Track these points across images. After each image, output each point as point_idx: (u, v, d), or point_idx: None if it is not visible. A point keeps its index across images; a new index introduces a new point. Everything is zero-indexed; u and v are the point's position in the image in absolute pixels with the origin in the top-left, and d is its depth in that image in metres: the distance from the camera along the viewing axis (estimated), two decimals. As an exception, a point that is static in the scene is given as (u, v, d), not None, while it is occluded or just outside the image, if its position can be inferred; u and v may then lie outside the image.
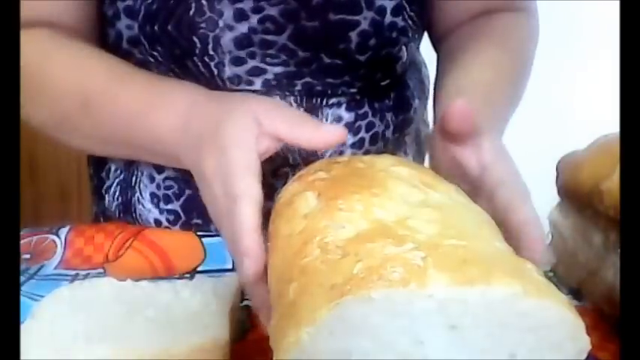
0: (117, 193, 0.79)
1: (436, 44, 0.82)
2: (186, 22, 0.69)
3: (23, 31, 0.64)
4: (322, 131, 0.55)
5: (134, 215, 0.77)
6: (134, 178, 0.77)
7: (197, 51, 0.70)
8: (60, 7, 0.73)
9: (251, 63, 0.71)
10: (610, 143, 0.61)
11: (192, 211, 0.75)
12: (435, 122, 0.68)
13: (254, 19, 0.70)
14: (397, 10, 0.72)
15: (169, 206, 0.75)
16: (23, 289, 0.65)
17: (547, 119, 1.56)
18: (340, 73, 0.73)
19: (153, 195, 0.76)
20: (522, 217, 0.49)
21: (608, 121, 0.70)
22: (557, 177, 0.68)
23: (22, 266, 0.68)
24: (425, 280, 0.38)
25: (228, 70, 0.71)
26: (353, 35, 0.71)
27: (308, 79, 0.72)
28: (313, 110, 0.73)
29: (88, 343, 0.53)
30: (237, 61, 0.71)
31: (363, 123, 0.75)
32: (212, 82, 0.71)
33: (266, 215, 0.51)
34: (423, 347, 0.39)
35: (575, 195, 0.64)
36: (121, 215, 0.79)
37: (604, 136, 0.64)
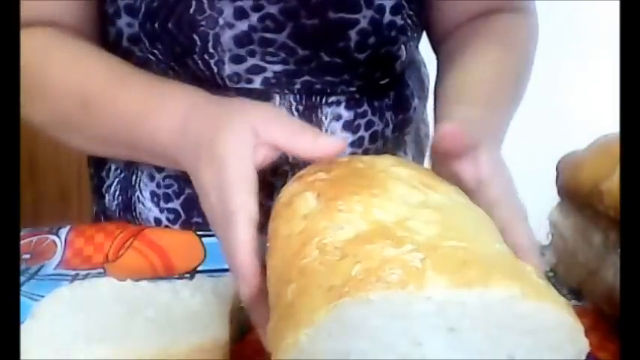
0: (117, 192, 0.79)
1: (435, 46, 0.82)
2: (187, 20, 0.69)
3: (24, 30, 0.64)
4: (320, 141, 0.54)
5: (134, 214, 0.77)
6: (134, 177, 0.77)
7: (197, 49, 0.70)
8: (61, 6, 0.73)
9: (251, 61, 0.71)
10: (610, 143, 0.61)
11: (193, 209, 0.75)
12: (435, 122, 0.68)
13: (254, 17, 0.70)
14: (396, 9, 0.72)
15: (169, 205, 0.75)
16: (23, 289, 0.65)
17: (547, 119, 1.55)
18: (339, 71, 0.73)
19: (153, 194, 0.76)
20: (518, 241, 0.49)
21: (608, 121, 0.70)
22: (557, 177, 0.68)
23: (22, 266, 0.68)
24: (423, 282, 0.38)
25: (228, 68, 0.71)
26: (352, 34, 0.71)
27: (307, 78, 0.72)
28: (312, 109, 0.73)
29: (88, 343, 0.53)
30: (237, 59, 0.71)
31: (363, 122, 0.75)
32: (212, 80, 0.71)
33: (266, 215, 0.51)
34: (421, 349, 0.39)
35: (575, 195, 0.64)
36: (121, 214, 0.79)
37: (604, 136, 0.64)
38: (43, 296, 0.59)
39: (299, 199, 0.47)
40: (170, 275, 0.67)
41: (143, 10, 0.70)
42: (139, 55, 0.72)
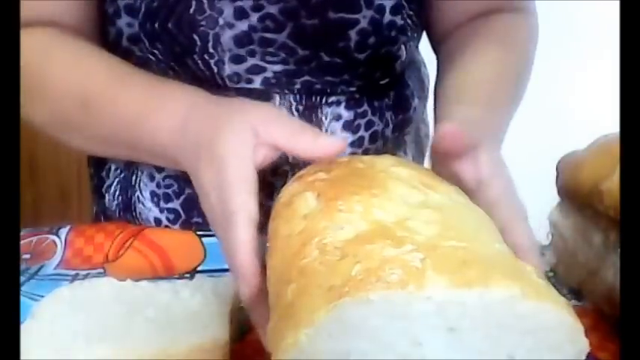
0: (117, 192, 0.79)
1: (435, 46, 0.82)
2: (187, 20, 0.69)
3: (24, 30, 0.64)
4: (321, 141, 0.54)
5: (134, 214, 0.77)
6: (134, 177, 0.77)
7: (197, 49, 0.70)
8: (61, 7, 0.73)
9: (251, 61, 0.71)
10: (610, 143, 0.61)
11: (193, 209, 0.75)
12: (435, 122, 0.68)
13: (254, 17, 0.70)
14: (396, 9, 0.72)
15: (169, 205, 0.75)
16: (23, 289, 0.65)
17: (547, 119, 1.55)
18: (339, 71, 0.73)
19: (153, 194, 0.76)
20: (518, 241, 0.49)
21: (608, 121, 0.70)
22: (557, 177, 0.68)
23: (22, 266, 0.68)
24: (423, 282, 0.38)
25: (228, 68, 0.71)
26: (352, 34, 0.71)
27: (307, 78, 0.72)
28: (312, 109, 0.73)
29: (88, 343, 0.53)
30: (237, 59, 0.71)
31: (363, 122, 0.75)
32: (212, 80, 0.71)
33: (266, 214, 0.51)
34: (421, 349, 0.39)
35: (575, 195, 0.64)
36: (122, 214, 0.79)
37: (604, 136, 0.64)
38: (43, 296, 0.59)
39: (299, 199, 0.47)
40: (170, 275, 0.67)
41: (143, 10, 0.70)
42: (138, 55, 0.72)
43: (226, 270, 0.67)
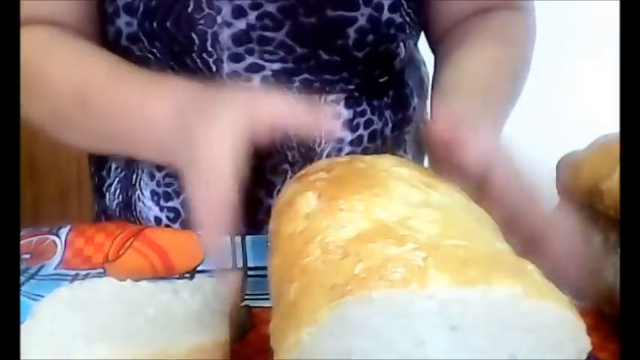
0: (117, 192, 0.79)
1: (433, 46, 0.82)
2: (185, 19, 0.70)
3: (23, 28, 0.64)
4: (320, 116, 0.55)
5: (134, 213, 0.77)
6: (135, 176, 0.77)
7: (195, 47, 0.70)
8: (61, 6, 0.73)
9: (249, 59, 0.71)
10: (610, 143, 0.61)
11: (192, 208, 0.75)
12: (430, 117, 0.68)
13: (252, 16, 0.70)
14: (394, 7, 0.72)
15: (169, 204, 0.75)
16: (23, 289, 0.65)
17: (547, 119, 1.55)
18: (338, 69, 0.73)
19: (153, 192, 0.76)
20: (535, 225, 0.49)
21: (608, 121, 0.70)
22: (557, 177, 0.68)
23: (22, 266, 0.68)
24: (426, 280, 0.38)
25: (227, 67, 0.71)
26: (350, 31, 0.71)
27: (306, 76, 0.72)
28: (312, 107, 0.73)
29: (87, 343, 0.53)
30: (236, 58, 0.71)
31: (362, 120, 0.75)
32: (210, 78, 0.71)
33: (266, 213, 0.51)
34: (423, 347, 0.39)
35: (575, 195, 0.64)
36: (122, 213, 0.79)
37: (604, 136, 0.64)
38: (43, 296, 0.59)
39: (300, 198, 0.47)
40: (170, 275, 0.67)
41: (142, 9, 0.70)
42: (137, 54, 0.72)
43: (226, 270, 0.68)
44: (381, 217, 0.43)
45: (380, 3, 0.72)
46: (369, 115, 0.76)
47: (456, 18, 0.79)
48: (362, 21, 0.71)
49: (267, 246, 0.51)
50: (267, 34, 0.70)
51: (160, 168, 0.75)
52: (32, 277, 0.67)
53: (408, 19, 0.75)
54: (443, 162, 0.55)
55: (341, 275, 0.39)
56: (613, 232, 0.60)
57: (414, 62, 0.82)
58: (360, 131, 0.75)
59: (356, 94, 0.75)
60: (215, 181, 0.51)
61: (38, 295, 0.62)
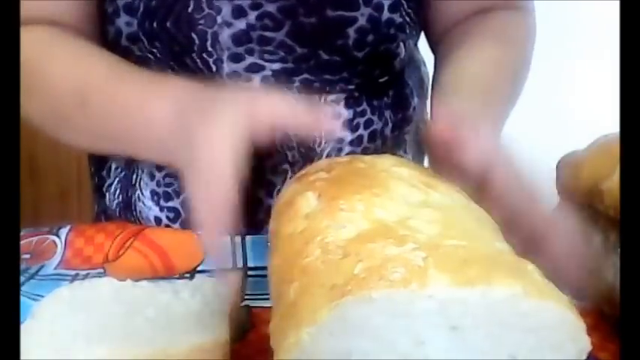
0: (117, 192, 0.79)
1: (433, 46, 0.82)
2: (185, 19, 0.70)
3: (23, 28, 0.64)
4: (320, 115, 0.54)
5: (135, 213, 0.77)
6: (135, 176, 0.77)
7: (195, 47, 0.70)
8: (61, 6, 0.73)
9: (249, 59, 0.71)
10: (610, 143, 0.61)
11: (193, 208, 0.75)
12: (430, 117, 0.68)
13: (252, 16, 0.70)
14: (394, 7, 0.72)
15: (169, 204, 0.75)
16: (23, 289, 0.65)
17: (547, 119, 1.55)
18: (338, 69, 0.73)
19: (153, 192, 0.76)
20: (535, 225, 0.49)
21: (608, 121, 0.70)
22: (557, 177, 0.68)
23: (22, 266, 0.68)
24: (426, 280, 0.38)
25: (227, 67, 0.71)
26: (351, 31, 0.71)
27: (306, 76, 0.72)
28: (312, 107, 0.73)
29: (88, 343, 0.53)
30: (236, 58, 0.71)
31: (362, 120, 0.75)
32: (210, 78, 0.71)
33: (266, 213, 0.51)
34: (423, 348, 0.39)
35: (575, 195, 0.64)
36: (122, 213, 0.79)
37: (604, 136, 0.64)
38: (43, 296, 0.59)
39: (300, 198, 0.47)
40: (170, 275, 0.67)
41: (142, 9, 0.70)
42: (138, 54, 0.72)
43: (226, 270, 0.68)
44: (381, 217, 0.43)
45: (380, 3, 0.72)
46: (369, 115, 0.76)
47: (456, 18, 0.79)
48: (362, 21, 0.71)
49: (267, 246, 0.51)
50: (267, 34, 0.71)
51: (159, 168, 0.75)
52: (32, 277, 0.67)
53: (408, 19, 0.75)
54: (443, 162, 0.55)
55: (341, 275, 0.39)
56: (613, 232, 0.60)
57: (414, 62, 0.82)
58: (360, 131, 0.75)
59: (356, 94, 0.75)
60: (215, 181, 0.51)
61: (38, 295, 0.62)
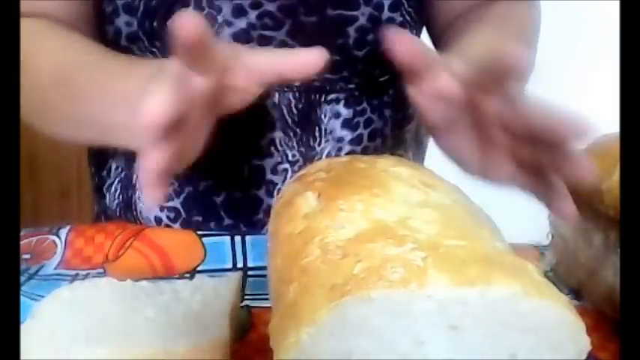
0: (118, 192, 0.79)
1: (436, 42, 0.82)
2: None
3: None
4: (301, 55, 0.53)
5: (135, 213, 0.77)
6: (135, 176, 0.77)
7: None
8: (52, 5, 0.72)
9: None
10: (610, 143, 0.61)
11: (193, 208, 0.75)
12: None
13: (252, 15, 0.70)
14: (395, 6, 0.72)
15: (170, 204, 0.75)
16: (23, 289, 0.65)
17: (547, 119, 1.55)
18: (338, 68, 0.73)
19: (153, 193, 0.76)
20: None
21: (608, 121, 0.70)
22: (557, 177, 0.68)
23: (22, 266, 0.68)
24: (425, 280, 0.38)
25: None
26: (351, 31, 0.71)
27: None
28: (311, 106, 0.73)
29: (88, 344, 0.53)
30: None
31: (362, 119, 0.75)
32: None
33: (266, 213, 0.51)
34: (423, 347, 0.39)
35: (575, 195, 0.64)
36: (122, 213, 0.79)
37: (604, 136, 0.64)
38: (43, 296, 0.59)
39: (300, 198, 0.47)
40: (170, 275, 0.67)
41: (142, 8, 0.70)
42: (137, 54, 0.72)
43: (226, 270, 0.68)
44: (380, 217, 0.43)
45: (380, 2, 0.72)
46: (368, 114, 0.76)
47: (459, 10, 0.78)
48: (362, 20, 0.71)
49: (267, 246, 0.51)
50: (268, 33, 0.71)
51: (159, 168, 0.75)
52: (32, 277, 0.67)
53: (408, 18, 0.75)
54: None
55: (340, 275, 0.39)
56: (613, 232, 0.60)
57: (414, 61, 0.82)
58: (360, 130, 0.75)
59: (356, 93, 0.75)
60: (144, 150, 0.46)
61: (38, 295, 0.62)
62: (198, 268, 0.68)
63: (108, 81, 0.62)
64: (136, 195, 0.77)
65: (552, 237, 0.69)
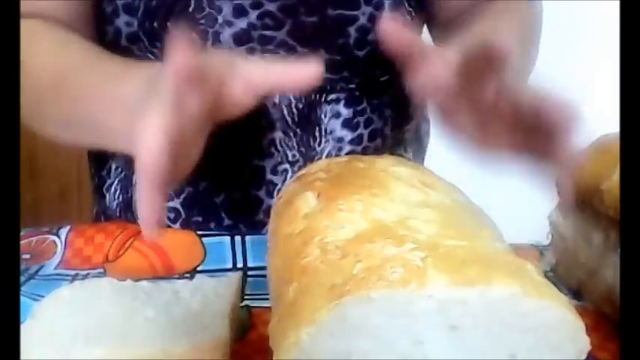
0: (117, 192, 0.79)
1: (436, 41, 0.81)
2: (186, 19, 0.69)
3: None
4: (296, 67, 0.52)
5: (135, 213, 0.77)
6: (135, 176, 0.77)
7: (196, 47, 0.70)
8: (52, 5, 0.72)
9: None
10: (610, 143, 0.61)
11: (193, 208, 0.75)
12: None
13: (253, 15, 0.70)
14: (395, 6, 0.72)
15: (170, 204, 0.75)
16: (23, 289, 0.65)
17: (547, 119, 1.55)
18: (339, 68, 0.73)
19: (153, 193, 0.75)
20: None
21: (608, 121, 0.70)
22: (557, 177, 0.68)
23: (22, 266, 0.68)
24: (425, 280, 0.38)
25: None
26: (351, 30, 0.71)
27: None
28: (312, 106, 0.73)
29: (87, 343, 0.53)
30: None
31: (362, 119, 0.75)
32: None
33: (266, 213, 0.51)
34: (422, 347, 0.39)
35: (575, 195, 0.64)
36: (122, 213, 0.79)
37: (604, 136, 0.64)
38: (43, 296, 0.59)
39: (299, 198, 0.47)
40: (170, 275, 0.67)
41: (142, 8, 0.70)
42: (138, 55, 0.72)
43: (226, 270, 0.68)
44: (380, 217, 0.43)
45: (381, 1, 0.72)
46: (369, 114, 0.76)
47: (460, 8, 0.78)
48: (363, 20, 0.71)
49: (267, 246, 0.51)
50: (268, 33, 0.71)
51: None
52: (32, 277, 0.67)
53: (409, 17, 0.75)
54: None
55: (340, 275, 0.39)
56: (613, 232, 0.60)
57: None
58: (360, 130, 0.75)
59: (356, 93, 0.75)
60: (144, 174, 0.47)
61: (38, 295, 0.62)
62: (198, 268, 0.68)
63: (103, 83, 0.62)
64: (136, 195, 0.77)
65: (552, 237, 0.69)
